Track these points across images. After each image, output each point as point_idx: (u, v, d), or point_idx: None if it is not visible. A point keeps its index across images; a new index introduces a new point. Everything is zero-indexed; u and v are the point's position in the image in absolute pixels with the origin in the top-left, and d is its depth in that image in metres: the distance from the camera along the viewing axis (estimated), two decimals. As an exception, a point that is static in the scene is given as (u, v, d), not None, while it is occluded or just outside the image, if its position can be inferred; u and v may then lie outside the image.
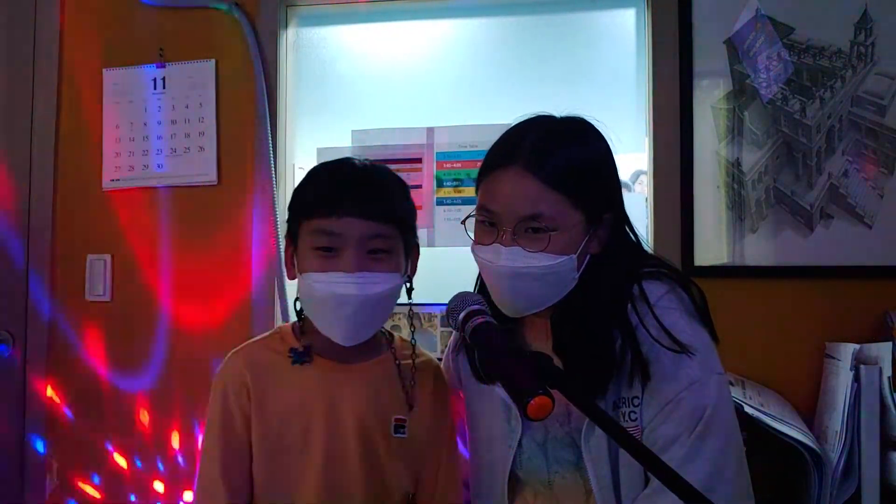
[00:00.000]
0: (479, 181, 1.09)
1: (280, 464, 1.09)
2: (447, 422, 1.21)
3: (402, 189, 1.15)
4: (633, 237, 1.12)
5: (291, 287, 1.89)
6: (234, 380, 1.11)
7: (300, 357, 1.12)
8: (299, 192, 1.15)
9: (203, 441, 1.14)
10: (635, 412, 1.01)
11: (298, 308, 1.15)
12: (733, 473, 0.98)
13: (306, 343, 1.13)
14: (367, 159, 1.16)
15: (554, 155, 1.02)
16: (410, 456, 1.16)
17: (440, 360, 1.21)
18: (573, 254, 1.02)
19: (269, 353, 1.14)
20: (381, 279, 1.06)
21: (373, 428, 1.12)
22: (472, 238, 1.10)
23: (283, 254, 1.84)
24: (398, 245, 1.10)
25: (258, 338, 1.18)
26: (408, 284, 1.14)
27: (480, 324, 0.93)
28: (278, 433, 1.09)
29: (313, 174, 1.16)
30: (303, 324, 1.15)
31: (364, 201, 1.06)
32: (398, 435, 1.14)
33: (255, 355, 1.14)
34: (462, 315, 0.96)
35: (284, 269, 1.23)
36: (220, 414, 1.10)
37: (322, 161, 1.88)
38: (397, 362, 1.17)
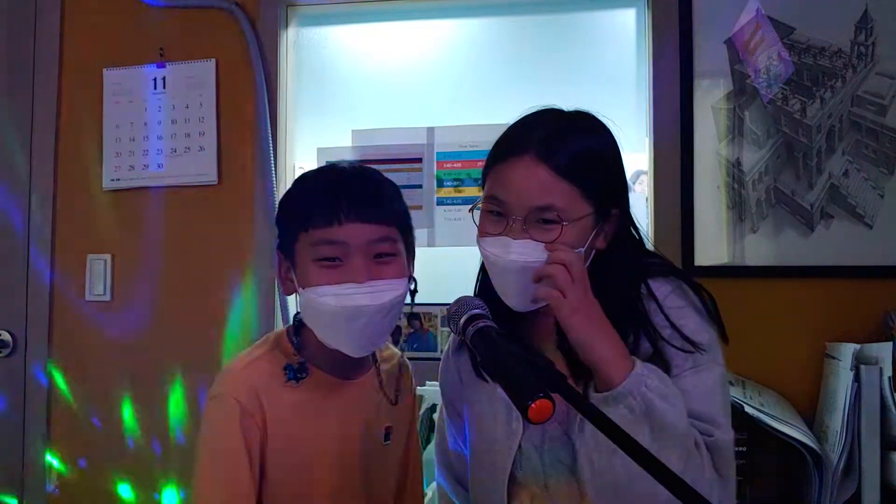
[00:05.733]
0: (487, 171, 1.08)
1: (292, 484, 1.06)
2: (415, 420, 1.21)
3: (396, 189, 1.10)
4: (636, 235, 1.12)
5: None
6: (248, 398, 1.03)
7: (296, 374, 1.06)
8: (290, 203, 1.09)
9: (214, 458, 1.04)
10: None
11: (297, 322, 1.10)
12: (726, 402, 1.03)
13: (301, 359, 1.08)
14: (351, 163, 1.12)
15: (566, 145, 1.02)
16: (394, 461, 1.16)
17: (439, 360, 1.20)
18: (581, 247, 1.02)
19: (274, 369, 1.07)
20: (391, 286, 1.02)
21: (373, 441, 1.11)
22: (478, 227, 1.08)
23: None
24: (401, 247, 1.07)
25: (258, 352, 1.11)
26: (412, 287, 1.09)
27: (481, 328, 0.93)
28: (291, 453, 1.05)
29: (302, 183, 1.10)
30: (299, 337, 1.10)
31: (364, 205, 1.01)
32: (386, 443, 1.14)
33: (261, 372, 1.07)
34: (463, 319, 0.95)
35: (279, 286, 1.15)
36: (240, 431, 1.02)
37: (322, 161, 1.92)
38: (377, 366, 1.15)
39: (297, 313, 1.10)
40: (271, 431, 1.04)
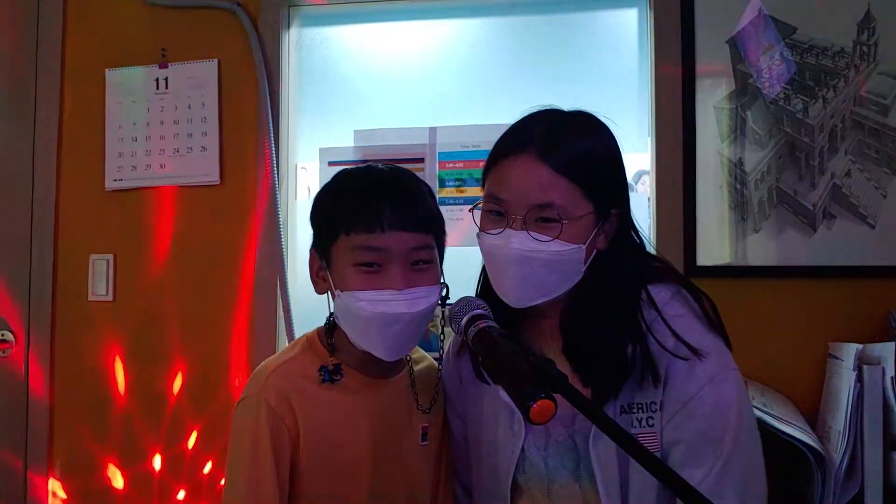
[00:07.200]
0: (487, 171, 1.08)
1: (329, 486, 1.06)
2: (446, 421, 1.22)
3: (431, 193, 1.11)
4: (636, 238, 1.11)
5: (294, 287, 1.89)
6: (279, 400, 1.04)
7: (331, 376, 1.07)
8: (329, 203, 1.09)
9: (240, 460, 1.04)
10: (653, 418, 1.00)
11: (330, 323, 1.11)
12: (759, 488, 1.00)
13: (336, 362, 1.08)
14: (387, 164, 1.12)
15: (566, 143, 1.01)
16: (433, 461, 1.17)
17: (438, 359, 1.21)
18: (583, 244, 1.01)
19: (307, 370, 1.08)
20: (427, 292, 1.04)
21: (409, 440, 1.13)
22: (479, 227, 1.08)
23: (286, 260, 1.86)
24: (436, 253, 1.08)
25: (290, 354, 1.12)
26: (444, 292, 1.09)
27: (483, 328, 0.93)
28: (327, 454, 1.06)
29: (342, 184, 1.09)
30: (333, 339, 1.10)
31: (406, 213, 1.02)
32: (424, 443, 1.15)
33: (293, 373, 1.08)
34: (465, 320, 0.95)
35: (304, 281, 1.13)
36: (268, 433, 1.02)
37: (324, 161, 1.93)
38: (411, 370, 1.17)
39: (330, 314, 1.10)
40: (304, 433, 1.05)
